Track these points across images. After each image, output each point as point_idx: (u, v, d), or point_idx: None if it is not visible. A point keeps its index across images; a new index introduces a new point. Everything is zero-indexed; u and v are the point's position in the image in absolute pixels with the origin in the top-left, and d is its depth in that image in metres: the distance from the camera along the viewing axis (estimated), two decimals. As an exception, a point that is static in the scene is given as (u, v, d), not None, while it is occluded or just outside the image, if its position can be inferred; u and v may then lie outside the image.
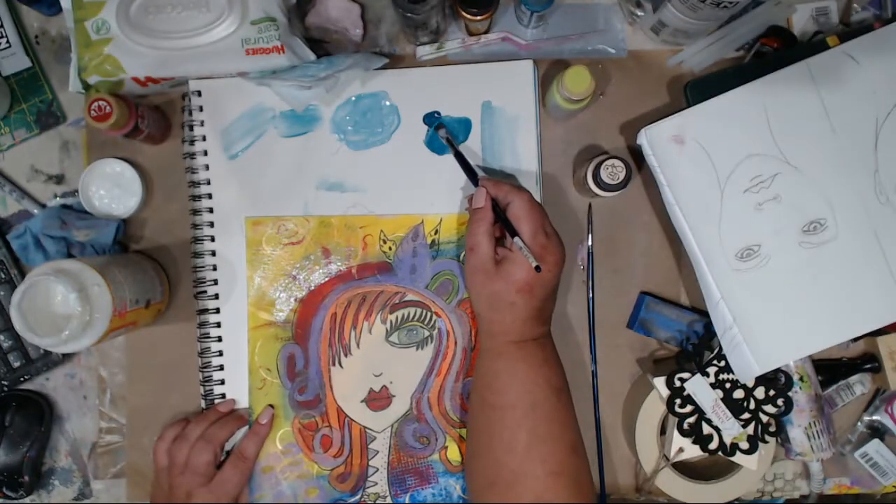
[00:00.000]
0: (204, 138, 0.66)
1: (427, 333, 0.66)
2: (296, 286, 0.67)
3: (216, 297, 0.66)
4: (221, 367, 0.66)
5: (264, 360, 0.66)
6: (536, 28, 0.67)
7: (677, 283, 0.68)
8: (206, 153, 0.66)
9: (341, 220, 0.66)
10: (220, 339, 0.66)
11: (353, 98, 0.67)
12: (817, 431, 0.63)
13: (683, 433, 0.63)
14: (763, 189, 0.60)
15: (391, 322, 0.66)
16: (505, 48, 0.68)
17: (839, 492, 0.71)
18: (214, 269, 0.66)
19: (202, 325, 0.66)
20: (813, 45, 0.62)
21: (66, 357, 0.69)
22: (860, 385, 0.68)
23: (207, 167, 0.66)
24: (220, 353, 0.66)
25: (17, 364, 0.68)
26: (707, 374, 0.63)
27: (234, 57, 0.62)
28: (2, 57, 0.69)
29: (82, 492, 0.69)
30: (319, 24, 0.68)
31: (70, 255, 0.65)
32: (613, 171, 0.60)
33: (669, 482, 0.64)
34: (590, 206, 0.68)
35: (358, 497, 0.66)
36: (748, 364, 0.60)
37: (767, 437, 0.63)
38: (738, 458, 0.63)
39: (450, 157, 0.64)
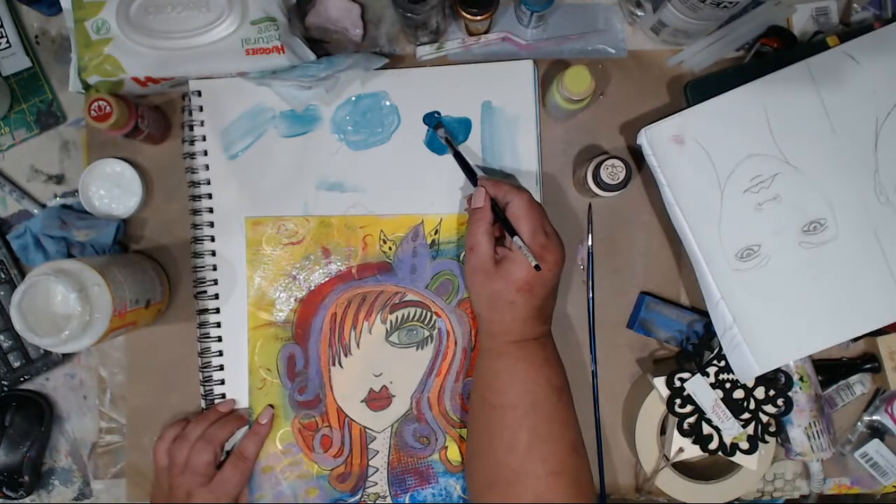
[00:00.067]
0: (204, 138, 0.66)
1: (427, 333, 0.66)
2: (296, 286, 0.67)
3: (216, 297, 0.66)
4: (221, 367, 0.66)
5: (264, 360, 0.66)
6: (536, 28, 0.67)
7: (677, 283, 0.68)
8: (206, 153, 0.66)
9: (341, 220, 0.66)
10: (220, 339, 0.66)
11: (353, 98, 0.67)
12: (817, 431, 0.63)
13: (683, 433, 0.63)
14: (763, 189, 0.60)
15: (391, 322, 0.66)
16: (505, 48, 0.68)
17: (839, 492, 0.71)
18: (214, 269, 0.66)
19: (202, 325, 0.66)
20: (813, 45, 0.62)
21: (66, 357, 0.69)
22: (860, 385, 0.68)
23: (207, 167, 0.66)
24: (220, 353, 0.66)
25: (17, 364, 0.68)
26: (707, 374, 0.63)
27: (234, 57, 0.62)
28: (2, 57, 0.69)
29: (82, 492, 0.69)
30: (319, 24, 0.68)
31: (70, 255, 0.65)
32: (613, 171, 0.60)
33: (669, 482, 0.64)
34: (590, 206, 0.68)
35: (358, 497, 0.66)
36: (748, 364, 0.60)
37: (767, 437, 0.63)
38: (738, 458, 0.63)
39: (450, 157, 0.64)
